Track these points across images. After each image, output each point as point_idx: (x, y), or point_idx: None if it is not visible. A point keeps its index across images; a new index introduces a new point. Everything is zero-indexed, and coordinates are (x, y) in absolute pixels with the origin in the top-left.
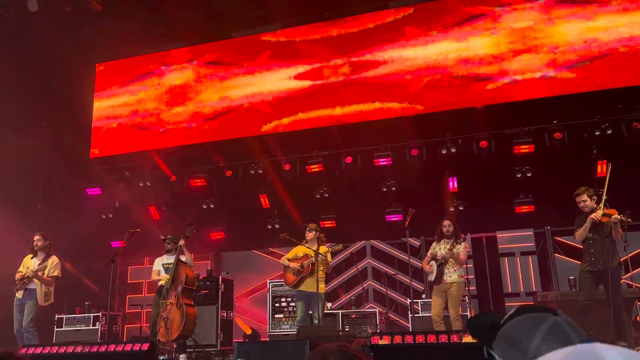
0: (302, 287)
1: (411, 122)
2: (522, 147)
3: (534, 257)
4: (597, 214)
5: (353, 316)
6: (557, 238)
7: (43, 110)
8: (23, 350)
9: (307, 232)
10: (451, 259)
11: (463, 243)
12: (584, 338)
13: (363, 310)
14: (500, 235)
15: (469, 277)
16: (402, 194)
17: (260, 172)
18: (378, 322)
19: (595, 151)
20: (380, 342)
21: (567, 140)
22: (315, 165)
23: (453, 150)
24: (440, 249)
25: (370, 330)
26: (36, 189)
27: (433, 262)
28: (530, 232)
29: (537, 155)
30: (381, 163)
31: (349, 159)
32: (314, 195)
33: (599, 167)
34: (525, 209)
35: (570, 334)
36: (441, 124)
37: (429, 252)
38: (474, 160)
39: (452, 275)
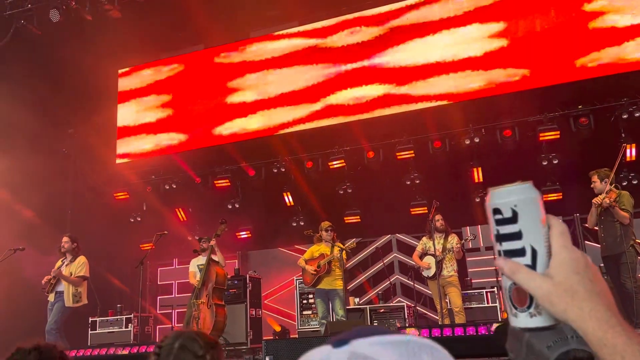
0: (320, 286)
1: (432, 113)
2: (547, 134)
3: None
4: (598, 198)
5: (381, 310)
6: (586, 225)
7: (70, 118)
8: None
9: (329, 231)
10: (448, 254)
11: (456, 237)
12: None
13: (391, 304)
14: None
15: (496, 268)
16: (426, 186)
17: (283, 170)
18: (406, 316)
19: (623, 135)
20: None
21: (594, 125)
22: (337, 161)
23: (476, 140)
24: (432, 244)
25: (399, 324)
26: (66, 196)
27: (430, 258)
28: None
29: (563, 141)
30: (403, 156)
31: (370, 154)
32: (337, 191)
33: (627, 151)
34: (553, 197)
35: None
36: (463, 114)
37: (419, 247)
38: (498, 150)
39: (449, 269)
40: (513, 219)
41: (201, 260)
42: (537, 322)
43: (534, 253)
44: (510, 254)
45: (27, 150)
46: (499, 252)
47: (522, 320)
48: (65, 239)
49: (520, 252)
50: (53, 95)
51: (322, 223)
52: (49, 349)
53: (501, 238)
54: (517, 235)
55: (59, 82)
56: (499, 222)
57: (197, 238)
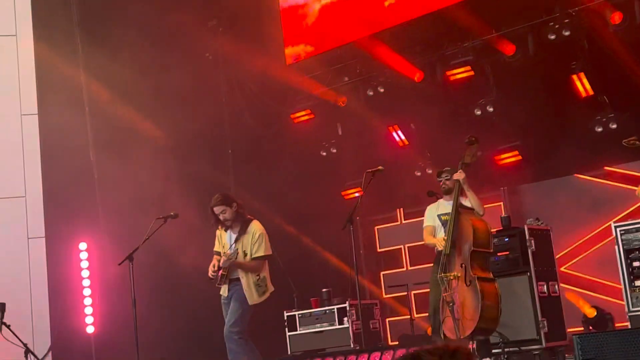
0: None
1: None
2: None
3: None
4: None
5: None
6: None
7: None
8: None
9: None
10: None
11: None
12: None
13: None
14: None
15: None
16: None
17: (567, 34)
18: None
19: None
20: None
21: None
22: None
23: None
24: None
25: None
26: (220, 125)
27: None
28: None
29: None
30: None
31: None
32: None
33: None
34: None
35: None
36: None
37: None
38: None
39: None
40: None
41: (443, 207)
42: None
43: None
44: None
45: (158, 65)
46: None
47: None
48: (217, 208)
49: None
50: None
51: None
52: None
53: None
54: None
55: None
56: None
57: (438, 172)
